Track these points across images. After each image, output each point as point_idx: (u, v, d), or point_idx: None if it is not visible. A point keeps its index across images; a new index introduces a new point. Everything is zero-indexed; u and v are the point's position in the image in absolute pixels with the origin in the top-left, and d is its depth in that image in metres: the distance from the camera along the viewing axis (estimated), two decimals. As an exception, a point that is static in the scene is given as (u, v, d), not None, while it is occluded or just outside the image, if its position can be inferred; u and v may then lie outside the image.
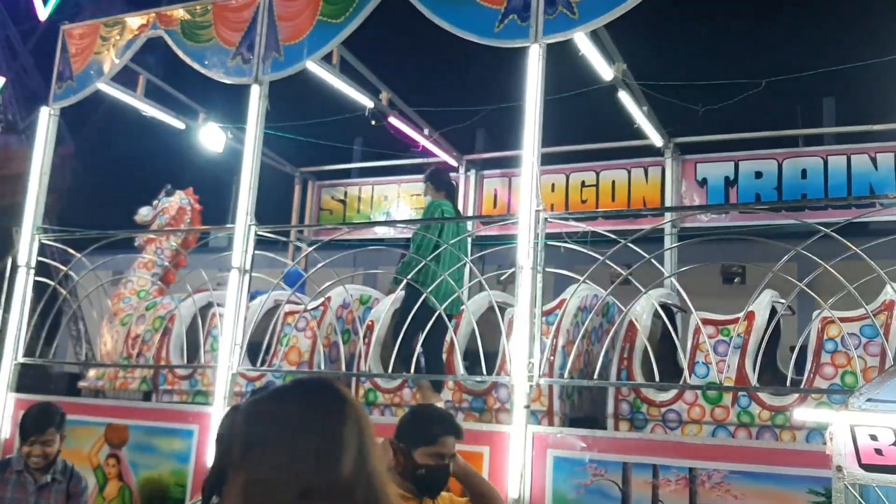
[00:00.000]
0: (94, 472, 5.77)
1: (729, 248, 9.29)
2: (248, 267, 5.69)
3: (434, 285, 5.48)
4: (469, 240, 6.30)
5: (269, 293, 6.21)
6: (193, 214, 7.96)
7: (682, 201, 8.52)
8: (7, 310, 6.43)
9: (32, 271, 6.40)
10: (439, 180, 6.27)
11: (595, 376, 5.22)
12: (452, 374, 5.71)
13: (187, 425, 5.55)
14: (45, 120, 6.69)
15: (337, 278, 6.40)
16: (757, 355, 5.09)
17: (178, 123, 8.35)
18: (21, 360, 6.30)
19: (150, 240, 7.66)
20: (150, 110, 7.87)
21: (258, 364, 6.02)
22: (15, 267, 6.43)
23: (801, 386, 4.94)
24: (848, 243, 4.39)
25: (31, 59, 21.14)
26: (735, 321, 5.19)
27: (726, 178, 8.54)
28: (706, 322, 5.22)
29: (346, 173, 10.84)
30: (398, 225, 8.88)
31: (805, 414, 4.63)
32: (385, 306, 6.28)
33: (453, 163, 9.56)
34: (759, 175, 8.42)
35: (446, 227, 5.91)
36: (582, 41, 5.66)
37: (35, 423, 4.34)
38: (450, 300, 5.56)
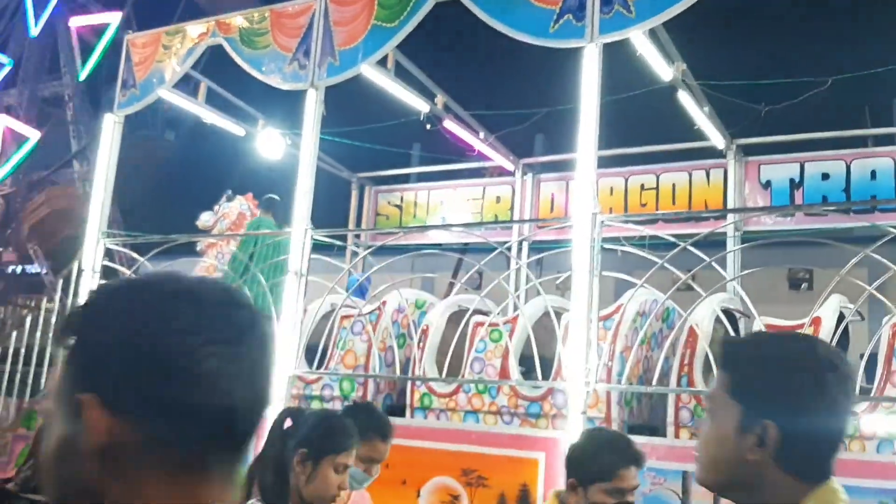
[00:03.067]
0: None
1: (795, 251, 9.03)
2: (304, 271, 5.75)
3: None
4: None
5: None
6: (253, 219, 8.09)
7: (745, 204, 8.28)
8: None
9: (97, 275, 6.57)
10: (268, 202, 7.42)
11: (654, 383, 5.10)
12: (507, 379, 5.65)
13: (245, 427, 5.61)
14: (110, 127, 6.89)
15: (393, 282, 6.42)
16: (824, 362, 4.89)
17: (238, 130, 8.49)
18: (87, 361, 6.46)
19: (210, 244, 7.81)
20: (210, 117, 8.02)
21: (315, 367, 6.07)
22: (80, 271, 6.63)
23: (871, 394, 4.74)
24: (921, 246, 4.21)
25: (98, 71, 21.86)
26: (801, 327, 5.01)
27: (791, 181, 8.27)
28: (770, 328, 5.05)
29: (403, 178, 10.87)
30: (453, 229, 8.86)
31: (875, 423, 4.44)
32: (440, 311, 6.26)
33: (510, 166, 9.50)
34: (825, 177, 8.14)
35: (259, 241, 6.76)
36: (639, 40, 5.56)
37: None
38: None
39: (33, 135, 20.47)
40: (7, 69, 21.52)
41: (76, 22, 20.91)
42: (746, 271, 5.97)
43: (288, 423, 2.63)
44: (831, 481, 1.45)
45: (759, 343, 1.59)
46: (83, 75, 20.42)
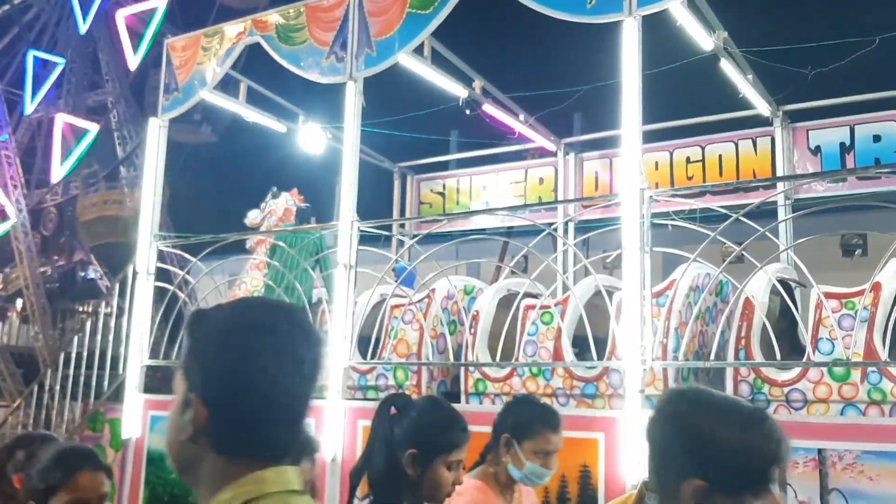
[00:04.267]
0: (219, 467, 6.00)
1: (848, 217, 8.81)
2: (353, 262, 5.79)
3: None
4: (315, 246, 7.16)
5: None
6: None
7: (794, 172, 8.11)
8: (131, 315, 6.79)
9: (152, 277, 6.71)
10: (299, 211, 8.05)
11: (711, 357, 5.03)
12: (561, 361, 5.63)
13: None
14: (156, 132, 7.00)
15: (441, 269, 6.44)
16: (886, 328, 4.78)
17: (279, 127, 8.55)
18: (147, 362, 6.62)
19: (260, 241, 7.90)
20: (252, 116, 8.09)
21: (368, 357, 6.13)
22: (135, 274, 6.77)
23: (939, 359, 4.62)
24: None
25: (140, 77, 22.26)
26: (860, 293, 4.89)
27: (842, 144, 8.07)
28: (829, 296, 4.94)
29: (444, 166, 10.87)
30: (497, 212, 8.83)
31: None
32: (489, 296, 6.26)
33: (551, 147, 9.43)
34: (877, 139, 7.92)
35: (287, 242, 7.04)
36: (678, 11, 5.46)
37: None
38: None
39: (92, 127, 21.09)
40: (60, 68, 22.04)
41: (123, 13, 21.38)
42: (801, 240, 5.84)
43: (392, 411, 2.53)
44: (268, 470, 1.25)
45: (209, 312, 1.39)
46: (135, 63, 20.85)
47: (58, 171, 20.88)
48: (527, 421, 3.01)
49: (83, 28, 22.40)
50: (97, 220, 19.70)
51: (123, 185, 21.74)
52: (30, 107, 21.89)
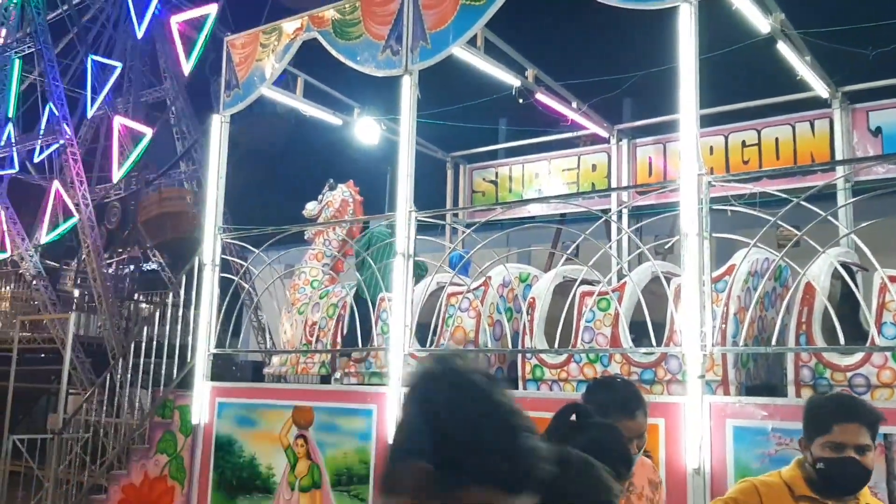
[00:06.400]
0: (284, 451, 6.20)
1: (910, 199, 8.57)
2: (411, 252, 5.90)
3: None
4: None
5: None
6: (355, 205, 8.31)
7: (854, 154, 7.95)
8: (198, 305, 7.02)
9: (217, 268, 6.92)
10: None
11: (773, 343, 5.02)
12: (618, 347, 5.67)
13: (367, 405, 5.85)
14: (218, 127, 7.20)
15: (495, 258, 6.51)
16: (953, 312, 4.71)
17: (335, 120, 8.70)
18: (214, 350, 6.84)
19: (318, 232, 8.07)
20: (309, 110, 8.25)
21: (427, 344, 6.24)
22: (201, 266, 6.99)
23: None
24: None
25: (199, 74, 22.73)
26: (926, 277, 4.82)
27: (904, 125, 7.90)
28: (893, 279, 4.88)
29: (495, 154, 10.91)
30: (551, 201, 8.85)
31: None
32: (546, 283, 6.31)
33: (604, 134, 9.41)
34: (941, 118, 7.73)
35: (373, 243, 7.18)
36: (735, -6, 5.42)
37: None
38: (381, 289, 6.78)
39: (147, 131, 21.73)
40: (118, 71, 22.67)
41: (177, 19, 21.94)
42: (863, 224, 5.76)
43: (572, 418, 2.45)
44: None
45: None
46: (188, 69, 21.43)
47: (117, 172, 21.62)
48: (604, 407, 2.75)
49: (139, 33, 23.04)
50: (158, 216, 20.29)
51: (183, 181, 22.27)
52: (90, 110, 22.57)
